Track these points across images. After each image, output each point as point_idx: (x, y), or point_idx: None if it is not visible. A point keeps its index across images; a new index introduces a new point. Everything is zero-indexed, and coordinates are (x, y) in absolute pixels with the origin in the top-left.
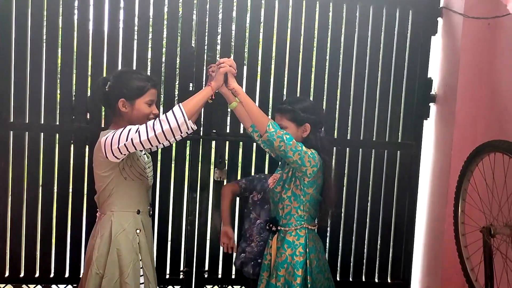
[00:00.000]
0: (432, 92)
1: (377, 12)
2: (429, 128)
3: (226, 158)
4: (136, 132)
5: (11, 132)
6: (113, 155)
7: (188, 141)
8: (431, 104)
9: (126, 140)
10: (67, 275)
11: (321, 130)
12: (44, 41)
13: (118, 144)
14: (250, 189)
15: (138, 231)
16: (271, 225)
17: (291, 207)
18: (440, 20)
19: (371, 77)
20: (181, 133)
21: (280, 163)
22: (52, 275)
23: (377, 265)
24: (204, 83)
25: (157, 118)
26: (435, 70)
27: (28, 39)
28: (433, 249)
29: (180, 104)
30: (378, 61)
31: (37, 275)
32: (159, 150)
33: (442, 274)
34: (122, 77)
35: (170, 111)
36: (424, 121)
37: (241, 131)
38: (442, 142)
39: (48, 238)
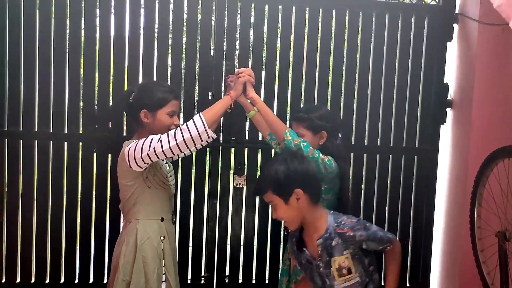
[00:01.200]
0: (449, 98)
1: (393, 19)
2: (446, 133)
3: (245, 164)
4: (158, 142)
5: (36, 141)
6: (137, 164)
7: (208, 149)
8: (447, 109)
9: (149, 149)
10: (91, 281)
11: (338, 137)
12: (67, 51)
13: (141, 154)
14: None
15: (162, 238)
16: (286, 233)
17: None
18: (455, 26)
19: (388, 83)
20: (202, 141)
21: None
22: (76, 281)
23: None
24: (223, 91)
25: (178, 127)
26: (451, 76)
27: (51, 49)
28: (451, 253)
29: (200, 113)
30: (395, 67)
31: (62, 281)
32: (180, 158)
33: (460, 278)
34: (144, 89)
35: (191, 120)
36: (441, 126)
37: (260, 138)
38: (459, 147)
39: (72, 245)
